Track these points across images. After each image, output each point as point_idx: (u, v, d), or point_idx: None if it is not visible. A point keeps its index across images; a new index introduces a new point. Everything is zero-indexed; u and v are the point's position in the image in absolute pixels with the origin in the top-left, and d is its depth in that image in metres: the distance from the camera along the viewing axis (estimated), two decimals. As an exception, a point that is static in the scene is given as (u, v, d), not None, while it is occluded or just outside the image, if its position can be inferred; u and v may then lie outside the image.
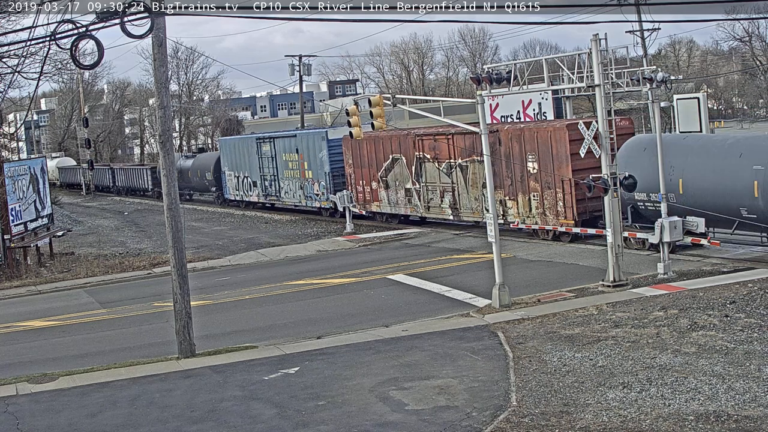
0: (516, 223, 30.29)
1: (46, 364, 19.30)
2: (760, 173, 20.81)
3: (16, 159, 59.45)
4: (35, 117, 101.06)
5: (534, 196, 29.39)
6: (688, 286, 20.97)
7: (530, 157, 29.28)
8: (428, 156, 33.93)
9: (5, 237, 32.29)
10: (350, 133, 24.05)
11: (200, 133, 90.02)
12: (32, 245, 34.81)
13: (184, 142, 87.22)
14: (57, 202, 55.27)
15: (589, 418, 12.81)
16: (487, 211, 20.65)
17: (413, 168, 34.78)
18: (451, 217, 33.41)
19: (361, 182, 37.76)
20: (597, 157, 22.51)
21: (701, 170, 23.91)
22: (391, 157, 35.91)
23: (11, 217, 32.52)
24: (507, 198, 30.30)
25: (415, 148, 34.51)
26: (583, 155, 22.95)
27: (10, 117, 69.79)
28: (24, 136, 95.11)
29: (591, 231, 27.40)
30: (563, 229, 28.45)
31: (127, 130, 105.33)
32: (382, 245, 33.03)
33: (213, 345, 19.53)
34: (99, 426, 14.45)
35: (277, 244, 35.46)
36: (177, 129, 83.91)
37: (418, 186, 34.62)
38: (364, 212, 37.82)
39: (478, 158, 30.54)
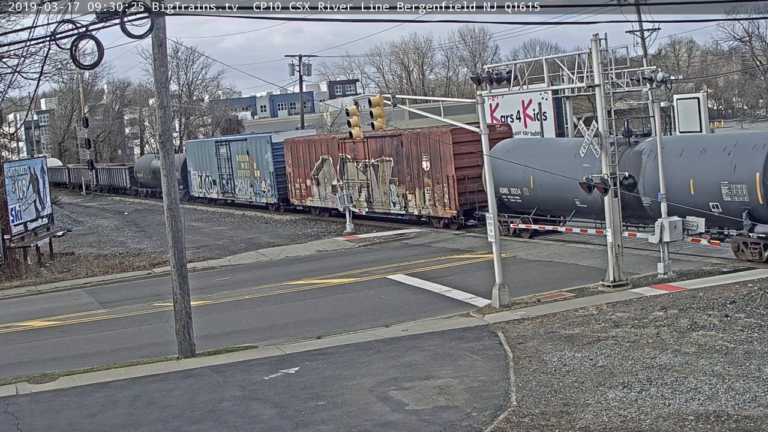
0: (516, 223, 30.57)
1: (46, 364, 19.30)
2: (588, 170, 24.81)
3: (16, 159, 59.52)
4: (35, 117, 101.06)
5: (427, 190, 34.36)
6: (688, 286, 20.97)
7: (424, 157, 34.20)
8: (349, 156, 38.53)
9: (5, 237, 32.29)
10: (349, 133, 24.05)
11: (200, 133, 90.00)
12: (32, 245, 34.81)
13: (183, 143, 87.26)
14: (57, 202, 55.29)
15: (589, 418, 12.81)
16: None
17: (338, 167, 39.52)
18: (366, 210, 38.23)
19: (298, 180, 42.95)
20: (597, 156, 22.52)
21: (546, 168, 27.63)
22: (321, 158, 40.61)
23: (11, 217, 32.52)
24: (407, 192, 35.42)
25: (339, 150, 38.94)
26: (582, 155, 22.97)
27: (10, 117, 69.79)
28: (24, 136, 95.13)
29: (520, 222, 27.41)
30: (448, 216, 33.87)
31: (127, 130, 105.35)
32: (382, 245, 33.03)
33: (213, 345, 19.53)
34: (99, 426, 14.45)
35: (277, 244, 35.47)
36: (177, 129, 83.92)
37: (341, 183, 39.28)
38: (301, 206, 43.58)
39: (386, 158, 36.26)
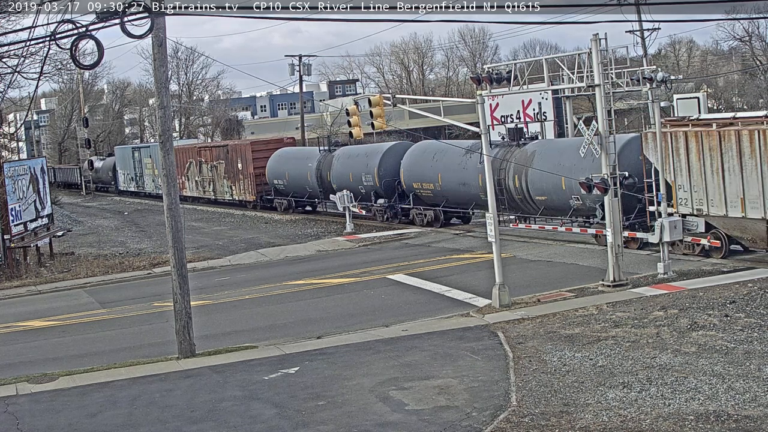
0: (516, 222, 30.68)
1: (46, 364, 19.30)
2: (481, 169, 28.04)
3: (16, 159, 59.51)
4: (35, 117, 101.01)
5: (240, 182, 48.74)
6: (688, 286, 20.98)
7: (239, 160, 48.46)
8: (203, 160, 52.85)
9: (5, 237, 32.28)
10: (350, 133, 24.05)
11: (200, 133, 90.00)
12: (32, 245, 34.81)
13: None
14: (57, 202, 55.33)
15: (589, 418, 12.81)
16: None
17: (198, 167, 53.82)
18: (212, 197, 52.31)
19: (180, 177, 55.18)
20: (597, 156, 22.51)
21: (450, 167, 33.15)
22: (189, 161, 54.62)
23: (11, 217, 32.51)
24: (232, 184, 49.62)
25: (198, 155, 53.59)
26: (583, 155, 22.98)
27: (10, 117, 69.76)
28: (24, 136, 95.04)
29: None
30: (251, 200, 47.91)
31: (127, 130, 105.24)
32: (381, 245, 33.03)
33: (213, 345, 19.53)
34: (99, 426, 14.45)
35: (277, 244, 35.47)
36: (177, 129, 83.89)
37: (199, 178, 53.81)
38: (180, 196, 53.26)
39: (221, 161, 50.30)
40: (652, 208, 24.91)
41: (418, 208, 36.04)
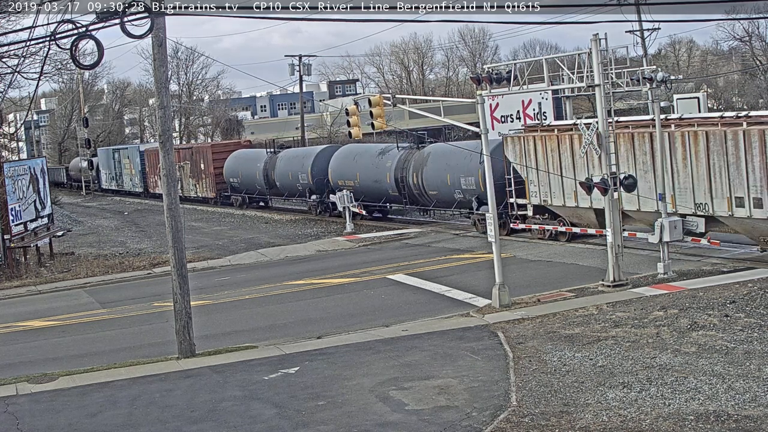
0: (516, 222, 30.68)
1: (46, 364, 19.30)
2: (391, 167, 36.07)
3: (16, 159, 59.48)
4: (35, 117, 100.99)
5: (203, 181, 53.70)
6: (688, 286, 20.98)
7: (201, 161, 53.27)
8: (198, 165, 55.65)
9: (5, 237, 32.28)
10: (349, 133, 24.05)
11: (200, 133, 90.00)
12: (32, 245, 34.81)
13: (183, 142, 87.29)
14: (57, 202, 55.37)
15: (589, 418, 12.81)
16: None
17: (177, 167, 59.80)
18: (181, 194, 58.21)
19: (151, 176, 61.82)
20: (597, 156, 22.51)
21: (367, 167, 37.78)
22: (198, 164, 57.22)
23: (11, 217, 32.51)
24: (196, 183, 54.60)
25: (177, 158, 54.65)
26: (583, 155, 23.01)
27: (10, 117, 69.76)
28: (24, 136, 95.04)
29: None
30: (212, 196, 52.80)
31: (127, 130, 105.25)
32: (382, 245, 33.04)
33: (213, 345, 19.53)
34: (99, 426, 14.46)
35: (277, 244, 35.47)
36: (177, 129, 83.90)
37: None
38: (153, 192, 60.77)
39: (187, 161, 54.71)
40: (511, 200, 30.10)
41: (306, 200, 43.22)
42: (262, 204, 49.56)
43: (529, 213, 29.64)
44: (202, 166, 53.22)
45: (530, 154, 29.04)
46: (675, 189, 24.31)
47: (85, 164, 76.59)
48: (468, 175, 31.50)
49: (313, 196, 41.94)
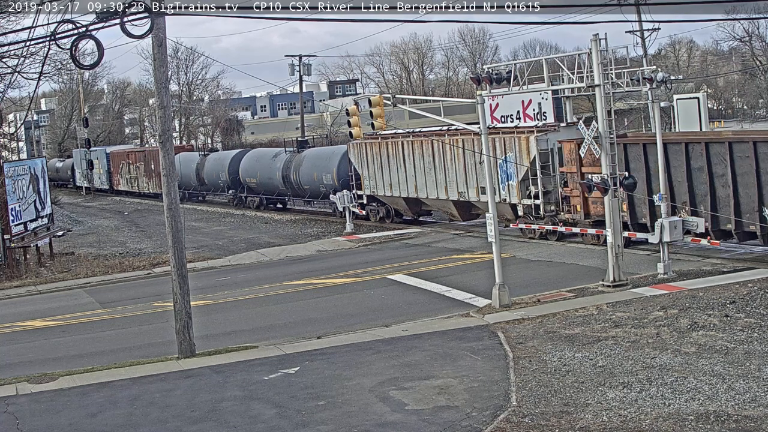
0: (516, 222, 30.76)
1: (46, 364, 19.30)
2: (282, 168, 44.47)
3: (16, 159, 59.41)
4: (35, 117, 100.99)
5: (153, 179, 60.02)
6: (688, 286, 20.98)
7: (152, 162, 59.87)
8: (131, 161, 65.25)
9: (5, 237, 32.28)
10: (350, 133, 24.05)
11: (200, 133, 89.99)
12: (32, 245, 34.80)
13: (183, 142, 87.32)
14: (57, 202, 55.38)
15: (589, 418, 12.81)
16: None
17: (127, 167, 66.39)
18: (138, 190, 64.75)
19: (115, 175, 69.57)
20: (597, 156, 22.51)
21: (265, 166, 46.76)
22: (121, 162, 67.25)
23: (11, 217, 32.50)
24: (148, 180, 61.91)
25: (127, 158, 66.50)
26: (583, 155, 23.03)
27: (10, 117, 69.76)
28: (24, 136, 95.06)
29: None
30: (159, 192, 53.62)
31: (127, 130, 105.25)
32: (382, 245, 33.04)
33: (213, 345, 19.53)
34: (99, 426, 14.46)
35: (277, 244, 35.48)
36: (177, 129, 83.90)
37: (128, 176, 66.04)
38: (116, 190, 69.54)
39: (141, 163, 63.29)
40: (360, 192, 38.63)
41: (251, 196, 49.95)
42: (200, 198, 57.62)
43: (364, 201, 38.65)
44: (152, 166, 60.70)
45: (364, 157, 38.02)
46: (442, 179, 33.50)
47: (60, 165, 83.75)
48: (327, 172, 40.86)
49: (230, 191, 51.99)
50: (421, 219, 38.46)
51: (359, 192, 38.55)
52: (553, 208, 29.13)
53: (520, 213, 30.19)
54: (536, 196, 29.27)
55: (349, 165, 39.01)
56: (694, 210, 24.23)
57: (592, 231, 27.39)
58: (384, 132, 35.31)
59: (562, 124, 29.93)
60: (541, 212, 29.12)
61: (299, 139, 49.95)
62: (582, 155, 24.84)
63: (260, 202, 48.89)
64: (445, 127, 34.25)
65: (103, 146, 78.50)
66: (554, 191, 29.10)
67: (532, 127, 29.75)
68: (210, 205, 54.82)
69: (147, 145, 71.55)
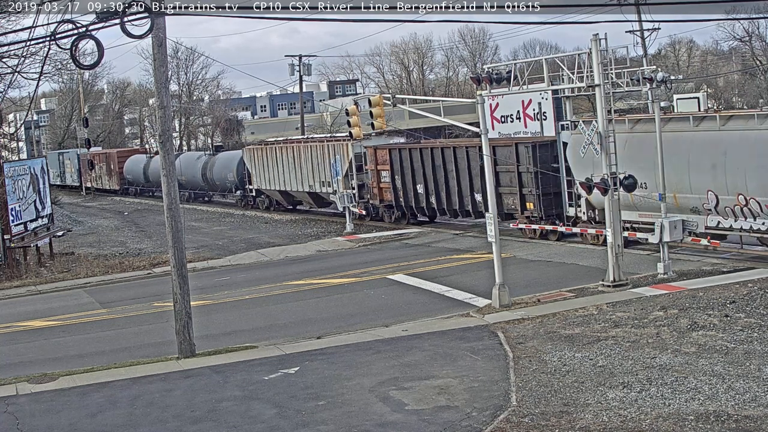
0: (516, 223, 30.83)
1: (46, 364, 19.30)
2: (201, 167, 54.16)
3: (16, 159, 59.39)
4: (35, 117, 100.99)
5: (112, 177, 69.27)
6: (688, 286, 20.97)
7: (111, 162, 69.10)
8: (97, 162, 70.76)
9: (5, 237, 32.27)
10: (349, 133, 24.06)
11: (200, 133, 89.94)
12: (32, 245, 34.80)
13: (184, 142, 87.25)
14: (57, 202, 55.38)
15: (589, 418, 12.81)
16: (486, 211, 21.09)
17: (98, 168, 71.72)
18: (101, 187, 72.57)
19: (85, 174, 74.49)
20: (597, 156, 22.51)
21: (188, 166, 55.79)
22: (95, 164, 70.49)
23: (11, 217, 32.50)
24: (109, 179, 70.01)
25: (97, 159, 71.60)
26: (583, 155, 23.07)
27: (10, 117, 69.77)
28: (24, 136, 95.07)
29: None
30: (117, 188, 69.26)
31: (127, 130, 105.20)
32: (382, 245, 33.04)
33: (213, 345, 19.53)
34: (99, 426, 14.46)
35: (277, 244, 35.48)
36: (177, 129, 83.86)
37: (94, 175, 72.55)
38: (87, 187, 74.78)
39: (104, 164, 70.49)
40: (250, 187, 48.18)
41: (181, 191, 55.17)
42: (150, 194, 64.38)
43: (254, 193, 48.37)
44: (111, 166, 70.07)
45: (253, 160, 47.56)
46: (302, 176, 42.34)
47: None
48: (230, 171, 50.91)
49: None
50: (321, 210, 45.12)
51: (250, 186, 48.60)
52: (367, 195, 38.27)
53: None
54: (354, 187, 38.41)
55: (243, 166, 48.82)
56: (438, 195, 34.03)
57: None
58: (268, 140, 49.35)
59: (372, 133, 36.11)
60: (356, 199, 38.03)
61: (215, 144, 63.21)
62: (376, 158, 36.65)
63: (189, 196, 56.05)
64: (305, 137, 49.68)
65: (75, 149, 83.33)
66: (367, 183, 38.30)
67: (348, 137, 33.54)
68: (153, 199, 62.44)
69: (112, 149, 76.67)
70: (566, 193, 28.39)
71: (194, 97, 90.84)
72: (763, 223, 22.73)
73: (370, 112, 22.70)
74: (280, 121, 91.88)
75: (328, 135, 47.85)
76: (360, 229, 36.72)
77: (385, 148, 37.06)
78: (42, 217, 36.08)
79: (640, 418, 12.67)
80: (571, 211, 28.27)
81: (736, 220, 23.49)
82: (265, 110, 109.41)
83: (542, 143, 30.05)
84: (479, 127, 21.64)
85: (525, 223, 30.44)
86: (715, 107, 54.14)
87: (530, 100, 45.45)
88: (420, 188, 35.00)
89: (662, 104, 27.80)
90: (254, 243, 36.35)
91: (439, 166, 33.79)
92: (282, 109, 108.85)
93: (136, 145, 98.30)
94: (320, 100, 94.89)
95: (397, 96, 23.62)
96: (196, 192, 57.00)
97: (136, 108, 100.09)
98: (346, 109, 24.54)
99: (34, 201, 35.40)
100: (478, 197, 31.47)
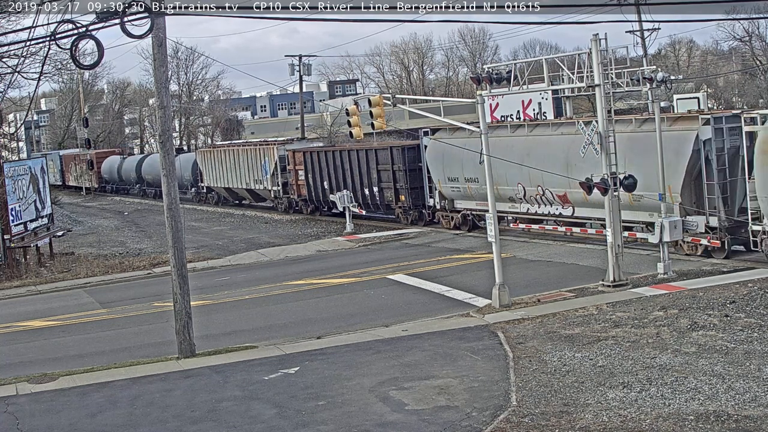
0: (517, 223, 30.87)
1: (46, 364, 19.30)
2: (134, 166, 66.55)
3: (16, 159, 59.39)
4: (35, 117, 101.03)
5: (91, 176, 73.43)
6: (688, 286, 20.98)
7: (89, 163, 72.95)
8: (76, 162, 76.69)
9: (5, 237, 32.27)
10: (350, 133, 24.05)
11: (200, 133, 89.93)
12: (32, 245, 34.80)
13: (184, 142, 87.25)
14: (57, 202, 55.38)
15: (589, 418, 12.81)
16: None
17: (74, 167, 77.48)
18: (81, 185, 76.48)
19: (66, 173, 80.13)
20: (597, 156, 22.51)
21: (153, 167, 60.15)
22: (70, 163, 78.51)
23: (11, 217, 32.50)
24: (85, 178, 74.67)
25: (74, 160, 77.85)
26: (583, 155, 23.08)
27: (10, 117, 69.76)
28: (24, 136, 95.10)
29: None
30: (96, 186, 74.29)
31: (127, 130, 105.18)
32: (382, 245, 33.04)
33: (213, 345, 19.53)
34: (99, 426, 14.46)
35: (277, 244, 35.47)
36: (177, 129, 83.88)
37: (75, 174, 77.26)
38: (68, 184, 79.53)
39: (80, 163, 76.24)
40: (202, 184, 54.63)
41: (148, 189, 64.60)
42: (126, 192, 70.53)
43: (205, 190, 54.85)
44: (91, 168, 75.83)
45: (204, 161, 53.97)
46: (240, 175, 48.58)
47: None
48: (186, 171, 56.00)
49: (137, 185, 67.03)
50: (259, 204, 50.65)
51: (202, 184, 55.02)
52: (290, 192, 44.68)
53: (272, 195, 46.74)
54: (279, 185, 45.30)
55: (196, 166, 55.56)
56: (339, 190, 38.51)
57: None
58: (216, 144, 59.97)
59: (295, 138, 50.61)
60: (281, 194, 45.38)
61: (176, 147, 66.58)
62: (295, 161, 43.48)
63: (154, 193, 61.68)
64: (243, 141, 58.21)
65: (57, 150, 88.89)
66: (289, 181, 44.38)
67: (274, 141, 45.27)
68: (128, 196, 69.68)
69: (89, 151, 79.54)
70: (427, 186, 35.06)
71: (194, 97, 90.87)
72: (557, 209, 28.97)
73: (370, 112, 22.69)
74: (280, 121, 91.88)
75: (262, 140, 53.45)
76: (360, 229, 36.72)
77: (301, 151, 43.28)
78: (42, 217, 36.08)
79: (640, 418, 12.67)
80: (431, 201, 35.00)
81: (539, 207, 29.55)
82: (265, 110, 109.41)
83: (410, 147, 36.31)
84: (479, 126, 21.64)
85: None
86: (715, 107, 54.15)
87: (530, 100, 45.50)
88: (326, 185, 40.79)
89: (662, 104, 27.81)
90: (254, 243, 36.35)
91: (338, 166, 39.81)
92: (282, 109, 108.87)
93: (136, 145, 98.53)
94: (320, 100, 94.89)
95: (397, 96, 23.60)
96: (158, 189, 60.73)
97: (136, 108, 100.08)
98: (347, 109, 24.52)
99: (34, 201, 35.40)
100: (367, 191, 38.13)
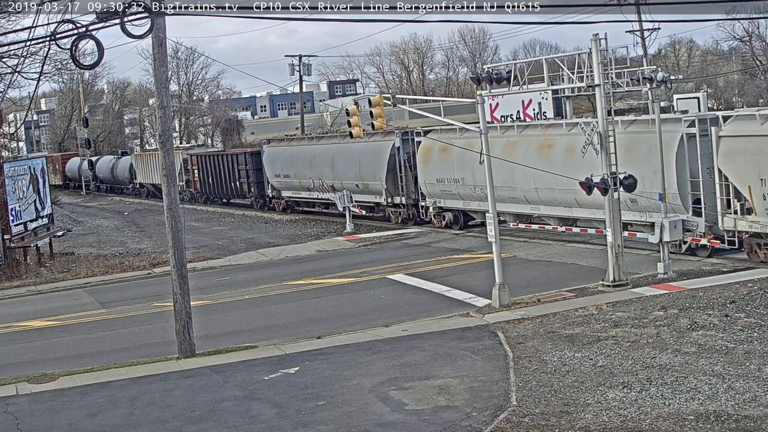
0: (516, 223, 30.86)
1: (46, 364, 19.30)
2: (110, 167, 71.81)
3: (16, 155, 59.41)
4: (35, 117, 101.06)
5: (58, 175, 78.85)
6: (688, 286, 20.98)
7: (57, 164, 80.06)
8: (55, 166, 79.70)
9: (5, 237, 32.27)
10: (349, 133, 24.04)
11: (200, 133, 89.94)
12: (32, 245, 34.79)
13: (183, 142, 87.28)
14: (57, 202, 55.39)
15: (589, 418, 12.81)
16: (486, 211, 21.15)
17: (49, 168, 72.67)
18: (54, 183, 72.74)
19: (50, 175, 72.48)
20: (597, 156, 22.50)
21: (103, 166, 72.96)
22: (54, 164, 78.95)
23: (11, 217, 32.49)
24: (54, 176, 74.89)
25: (49, 162, 72.64)
26: (583, 155, 23.10)
27: (10, 117, 69.77)
28: (24, 136, 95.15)
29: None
30: (60, 183, 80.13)
31: (127, 130, 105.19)
32: (382, 245, 33.04)
33: (213, 345, 19.53)
34: (99, 426, 14.46)
35: (277, 244, 35.47)
36: (177, 129, 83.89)
37: (69, 176, 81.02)
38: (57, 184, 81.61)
39: (54, 163, 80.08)
40: (136, 181, 64.36)
41: (101, 185, 73.30)
42: (79, 188, 76.35)
43: (138, 186, 64.61)
44: (57, 166, 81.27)
45: (139, 162, 63.90)
46: (158, 173, 54.79)
47: None
48: (126, 170, 66.52)
49: (93, 182, 74.69)
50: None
51: (136, 181, 65.25)
52: (190, 187, 55.81)
53: (179, 189, 51.73)
54: (183, 181, 54.22)
55: (132, 166, 66.02)
56: (221, 190, 52.42)
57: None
58: (146, 149, 73.49)
59: (197, 144, 63.43)
60: (185, 188, 54.87)
61: (122, 150, 76.92)
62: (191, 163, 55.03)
63: (106, 189, 72.65)
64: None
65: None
66: (190, 179, 56.43)
67: (183, 147, 56.64)
68: (123, 195, 73.15)
69: (57, 153, 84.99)
70: (267, 182, 46.56)
71: (194, 97, 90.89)
72: (333, 196, 38.71)
73: (370, 112, 22.68)
74: (280, 121, 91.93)
75: (176, 147, 64.73)
76: (360, 229, 36.72)
77: (195, 155, 56.07)
78: (42, 217, 36.08)
79: (640, 418, 12.67)
80: (270, 192, 46.79)
81: (324, 194, 40.73)
82: (265, 110, 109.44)
83: (254, 152, 48.99)
84: (479, 126, 21.64)
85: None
86: (714, 107, 54.12)
87: (530, 100, 45.50)
88: (210, 180, 53.90)
89: (662, 104, 27.81)
90: (254, 243, 36.35)
91: (217, 166, 52.72)
92: (282, 109, 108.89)
93: (136, 145, 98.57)
94: (320, 100, 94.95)
95: (397, 96, 23.61)
96: (108, 185, 73.16)
97: (136, 108, 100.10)
98: (347, 109, 24.51)
99: (34, 201, 35.40)
100: (233, 184, 51.09)
